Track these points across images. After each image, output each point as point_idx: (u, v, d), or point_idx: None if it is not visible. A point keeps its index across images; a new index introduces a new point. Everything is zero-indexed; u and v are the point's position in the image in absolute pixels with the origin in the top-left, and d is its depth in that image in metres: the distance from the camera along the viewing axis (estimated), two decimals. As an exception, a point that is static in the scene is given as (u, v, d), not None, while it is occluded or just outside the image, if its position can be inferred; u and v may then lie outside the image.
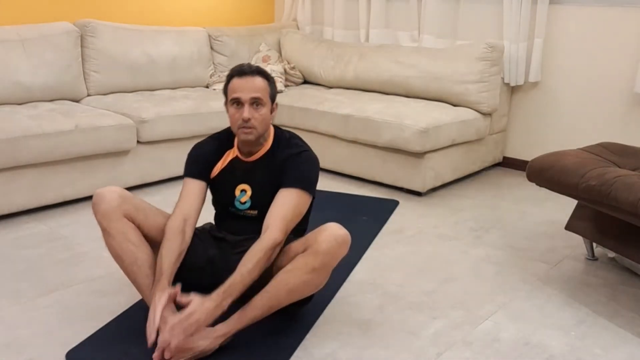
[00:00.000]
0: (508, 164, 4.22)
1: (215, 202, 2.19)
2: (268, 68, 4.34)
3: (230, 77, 2.01)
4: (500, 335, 2.09)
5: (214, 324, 1.85)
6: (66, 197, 3.16)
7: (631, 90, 3.60)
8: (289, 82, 4.59)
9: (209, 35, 4.45)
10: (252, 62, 4.56)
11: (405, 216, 3.22)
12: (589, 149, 2.57)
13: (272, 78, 2.05)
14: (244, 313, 1.86)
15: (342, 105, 3.76)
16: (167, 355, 1.76)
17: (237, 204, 2.09)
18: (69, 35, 3.65)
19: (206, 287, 2.06)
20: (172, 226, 1.96)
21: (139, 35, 4.01)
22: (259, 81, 1.98)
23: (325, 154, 3.78)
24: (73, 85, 3.67)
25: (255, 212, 2.07)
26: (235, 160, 2.10)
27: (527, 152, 4.09)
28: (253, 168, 2.07)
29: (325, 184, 3.67)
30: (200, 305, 1.76)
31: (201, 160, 2.10)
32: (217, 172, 2.10)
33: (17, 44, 3.46)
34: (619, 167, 2.38)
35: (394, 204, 3.39)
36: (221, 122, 3.70)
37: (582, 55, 3.77)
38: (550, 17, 3.82)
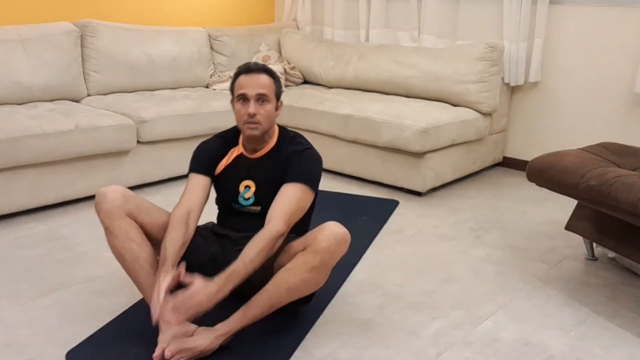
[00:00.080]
0: (508, 164, 4.22)
1: (218, 200, 2.20)
2: (268, 68, 4.33)
3: (237, 75, 2.06)
4: (500, 335, 2.09)
5: (214, 323, 1.86)
6: (66, 197, 3.16)
7: (631, 90, 3.61)
8: (289, 82, 4.59)
9: (209, 35, 4.45)
10: (252, 62, 4.56)
11: (405, 216, 3.22)
12: (589, 149, 2.57)
13: (278, 76, 2.11)
14: (244, 312, 1.86)
15: (342, 105, 3.76)
16: (167, 355, 1.76)
17: (240, 199, 2.11)
18: (69, 35, 3.65)
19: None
20: (176, 216, 1.97)
21: (139, 35, 4.01)
22: (264, 78, 2.03)
23: (325, 154, 3.76)
24: (73, 85, 3.67)
25: (259, 208, 2.08)
26: (239, 157, 2.13)
27: (527, 152, 4.09)
28: (257, 164, 2.10)
29: (325, 184, 3.67)
30: (202, 287, 1.76)
31: (206, 156, 2.13)
32: (221, 169, 2.13)
33: (17, 44, 3.46)
34: (619, 167, 2.38)
35: (394, 204, 3.39)
36: (221, 122, 3.70)
37: (582, 55, 3.77)
38: (550, 17, 3.82)
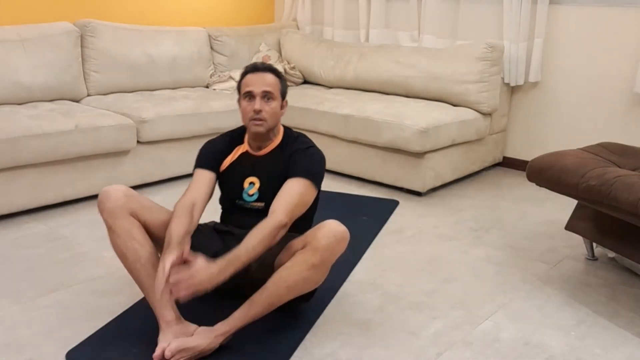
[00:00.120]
0: (508, 164, 4.22)
1: (222, 197, 2.22)
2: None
3: (244, 74, 2.12)
4: (500, 335, 2.09)
5: (214, 323, 1.86)
6: (66, 197, 3.16)
7: (631, 90, 3.61)
8: (289, 82, 4.58)
9: (209, 35, 4.45)
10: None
11: (405, 216, 3.22)
12: (589, 149, 2.57)
13: (284, 77, 2.17)
14: (244, 311, 1.87)
15: (342, 105, 3.76)
16: (167, 354, 1.76)
17: (245, 195, 2.13)
18: (69, 35, 3.65)
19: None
20: (180, 206, 1.99)
21: (139, 35, 4.01)
22: (270, 77, 2.09)
23: (326, 154, 3.68)
24: (73, 85, 3.67)
25: (262, 204, 2.10)
26: (244, 154, 2.17)
27: (527, 152, 4.09)
28: (262, 161, 2.13)
29: (325, 184, 3.64)
30: (204, 268, 1.76)
31: (211, 153, 2.17)
32: (226, 165, 2.16)
33: (17, 44, 3.46)
34: (619, 167, 2.38)
35: (394, 204, 3.39)
36: (221, 122, 3.71)
37: (582, 55, 3.77)
38: (550, 17, 3.83)
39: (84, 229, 2.90)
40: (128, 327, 2.04)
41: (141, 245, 1.94)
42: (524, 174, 2.62)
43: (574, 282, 2.51)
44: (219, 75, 4.35)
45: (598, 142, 2.70)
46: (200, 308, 2.07)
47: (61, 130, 3.03)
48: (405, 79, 4.00)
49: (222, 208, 2.24)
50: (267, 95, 2.06)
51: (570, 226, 2.66)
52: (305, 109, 3.88)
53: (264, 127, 2.06)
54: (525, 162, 3.95)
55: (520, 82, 3.95)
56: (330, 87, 4.49)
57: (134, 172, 3.43)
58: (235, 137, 2.21)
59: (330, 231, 1.86)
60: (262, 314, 1.88)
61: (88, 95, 3.79)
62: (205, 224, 2.19)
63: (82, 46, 3.75)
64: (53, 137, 2.99)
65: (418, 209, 3.35)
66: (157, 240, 1.99)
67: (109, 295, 2.27)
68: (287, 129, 2.20)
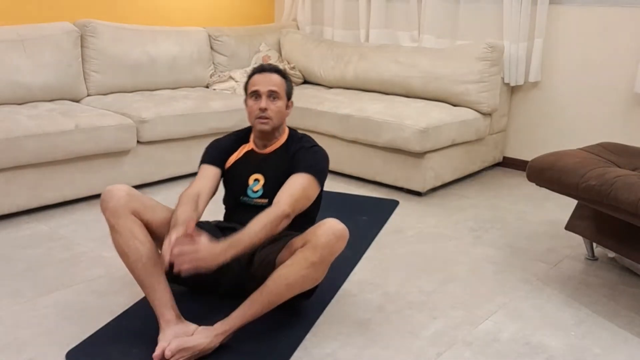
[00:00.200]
0: (508, 164, 4.22)
1: (227, 195, 2.25)
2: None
3: (251, 75, 2.19)
4: (500, 335, 2.09)
5: (214, 322, 1.86)
6: (66, 197, 3.16)
7: (631, 90, 3.61)
8: (289, 82, 4.58)
9: (209, 35, 4.45)
10: (252, 62, 4.57)
11: (405, 216, 3.22)
12: (589, 149, 2.57)
13: (289, 78, 2.23)
14: (244, 310, 1.87)
15: (342, 105, 3.76)
16: (167, 354, 1.76)
17: (249, 192, 2.16)
18: (69, 35, 3.66)
19: (213, 281, 2.06)
20: (186, 194, 2.03)
21: (139, 35, 4.01)
22: (276, 77, 2.16)
23: None
24: (73, 85, 3.67)
25: (266, 200, 2.11)
26: (250, 152, 2.22)
27: (527, 152, 4.09)
28: (267, 159, 2.19)
29: (325, 184, 3.64)
30: (208, 246, 1.78)
31: (217, 151, 2.22)
32: (231, 162, 2.21)
33: (17, 44, 3.46)
34: (619, 167, 2.38)
35: (394, 204, 3.39)
36: (221, 123, 3.71)
37: (582, 55, 3.77)
38: (550, 17, 3.83)
39: (84, 229, 2.90)
40: (128, 327, 2.04)
41: (143, 244, 1.94)
42: (524, 174, 2.62)
43: (574, 282, 2.51)
44: (219, 75, 4.35)
45: (598, 142, 2.70)
46: (200, 308, 2.07)
47: (61, 130, 3.03)
48: (405, 79, 4.00)
49: (226, 207, 2.27)
50: (272, 95, 2.13)
51: (570, 226, 2.66)
52: (305, 109, 3.88)
53: (269, 125, 2.12)
54: (525, 162, 3.95)
55: (520, 82, 3.95)
56: (330, 87, 4.49)
57: (134, 172, 3.43)
58: (241, 136, 2.26)
59: (330, 229, 1.87)
60: (261, 313, 1.89)
61: (88, 95, 3.79)
62: (208, 222, 2.20)
63: (82, 46, 3.75)
64: (53, 137, 2.99)
65: (418, 209, 3.35)
66: (159, 239, 1.99)
67: (108, 295, 2.27)
68: (291, 130, 2.26)
